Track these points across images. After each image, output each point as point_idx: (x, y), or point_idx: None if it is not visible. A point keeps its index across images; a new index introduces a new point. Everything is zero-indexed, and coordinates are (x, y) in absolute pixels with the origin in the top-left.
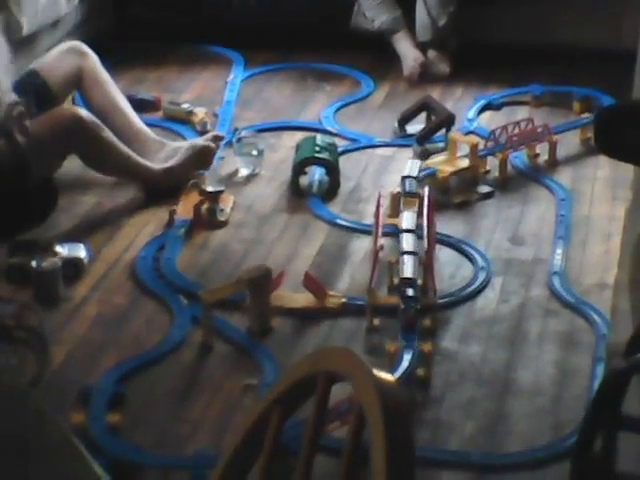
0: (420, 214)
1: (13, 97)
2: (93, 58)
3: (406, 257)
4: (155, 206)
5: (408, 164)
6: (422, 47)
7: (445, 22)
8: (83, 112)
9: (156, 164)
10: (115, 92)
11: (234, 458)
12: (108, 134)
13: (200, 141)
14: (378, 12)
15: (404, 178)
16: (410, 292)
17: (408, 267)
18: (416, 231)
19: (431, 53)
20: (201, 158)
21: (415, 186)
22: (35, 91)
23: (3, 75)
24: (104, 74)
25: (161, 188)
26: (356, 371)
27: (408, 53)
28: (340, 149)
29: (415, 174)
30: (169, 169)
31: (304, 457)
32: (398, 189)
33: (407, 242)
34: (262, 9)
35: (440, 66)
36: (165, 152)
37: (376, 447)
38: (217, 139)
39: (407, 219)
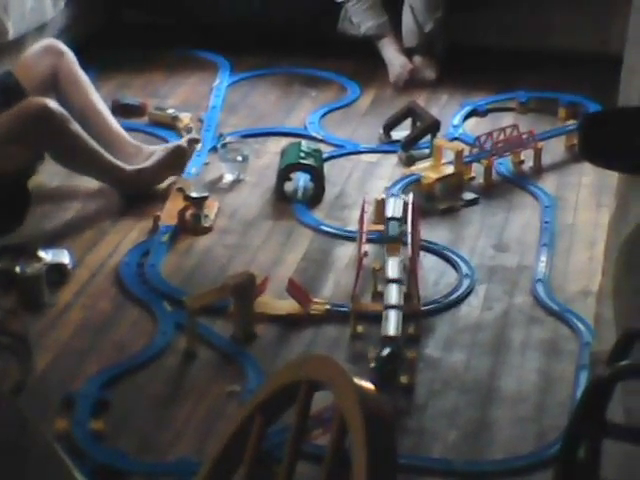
0: (405, 221)
1: None
2: (70, 57)
3: (391, 312)
4: (139, 212)
5: (390, 203)
6: (408, 53)
7: (431, 28)
8: (51, 102)
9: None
10: (92, 93)
11: (216, 465)
12: (76, 127)
13: (174, 143)
14: (364, 18)
15: (388, 220)
16: (386, 352)
17: (391, 324)
18: (402, 281)
19: (417, 59)
20: (175, 159)
21: (398, 230)
22: (7, 91)
23: None
24: (81, 74)
25: (134, 190)
26: (337, 379)
27: (394, 59)
28: (325, 155)
29: (399, 215)
30: (141, 170)
31: (286, 464)
32: (383, 196)
33: (392, 295)
34: (249, 14)
35: (426, 72)
36: (142, 156)
37: (357, 455)
38: (193, 142)
39: (392, 268)
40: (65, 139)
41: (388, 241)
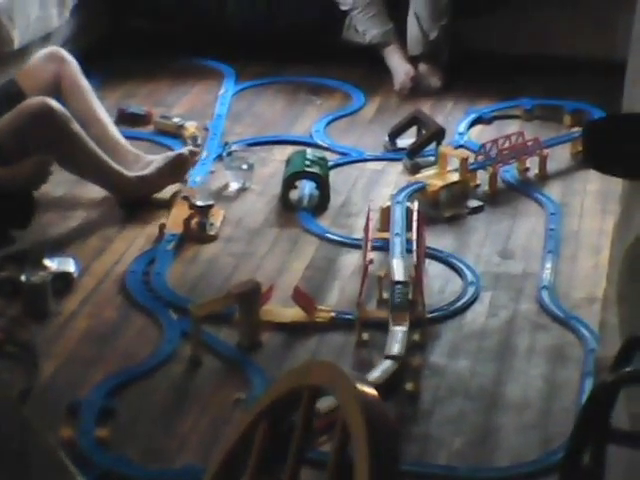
0: (410, 228)
1: None
2: (73, 64)
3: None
4: (144, 220)
5: (394, 265)
6: (413, 61)
7: (436, 36)
8: (52, 101)
9: None
10: (94, 101)
11: (220, 472)
12: (77, 127)
13: (175, 151)
14: (369, 26)
15: (395, 284)
16: None
17: None
18: (402, 359)
19: (422, 67)
20: (175, 168)
21: (405, 296)
22: (10, 98)
23: None
24: (84, 82)
25: (133, 197)
26: (340, 385)
27: (399, 67)
28: (330, 163)
29: (405, 279)
30: (143, 177)
31: (289, 470)
32: (388, 203)
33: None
34: (254, 23)
35: (431, 80)
36: (141, 164)
37: (359, 462)
38: (192, 154)
39: (396, 341)
40: (65, 137)
41: (395, 309)
